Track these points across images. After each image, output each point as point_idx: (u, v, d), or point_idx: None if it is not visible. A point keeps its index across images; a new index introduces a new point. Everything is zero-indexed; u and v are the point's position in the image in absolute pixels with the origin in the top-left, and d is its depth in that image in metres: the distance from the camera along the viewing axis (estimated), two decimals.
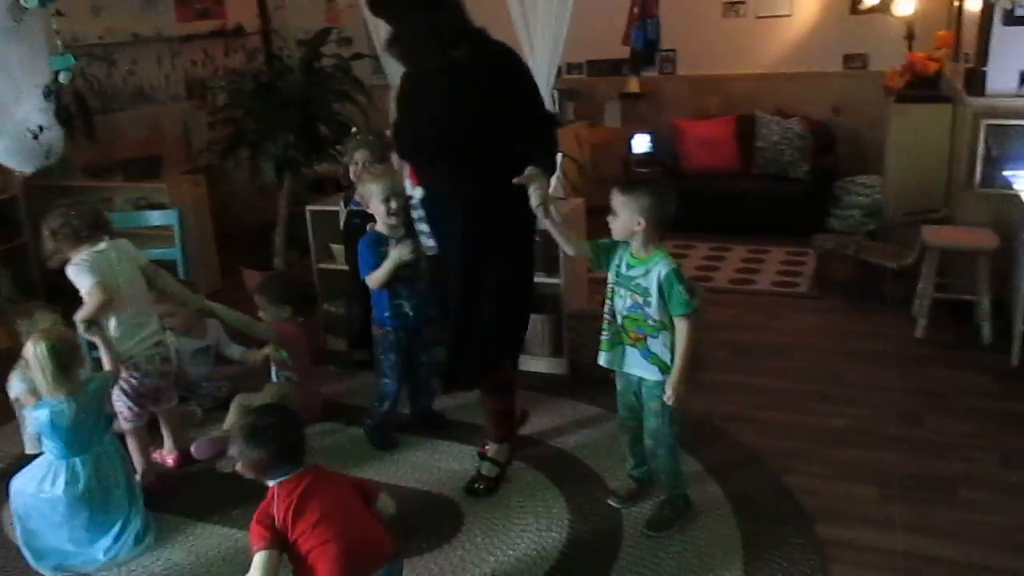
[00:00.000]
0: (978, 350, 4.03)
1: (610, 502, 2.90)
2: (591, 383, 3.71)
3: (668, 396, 2.58)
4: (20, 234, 5.20)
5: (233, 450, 2.24)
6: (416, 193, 2.91)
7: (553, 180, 3.23)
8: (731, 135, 6.43)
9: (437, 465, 3.21)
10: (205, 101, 6.59)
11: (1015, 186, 4.04)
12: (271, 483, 2.21)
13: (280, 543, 2.11)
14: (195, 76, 6.69)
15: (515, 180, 2.58)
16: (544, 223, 2.65)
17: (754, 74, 6.60)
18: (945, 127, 4.88)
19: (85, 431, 2.74)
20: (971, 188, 4.30)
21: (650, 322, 2.57)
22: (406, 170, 2.98)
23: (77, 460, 2.72)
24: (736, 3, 6.53)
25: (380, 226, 3.16)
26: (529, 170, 2.60)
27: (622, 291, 2.62)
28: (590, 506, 2.90)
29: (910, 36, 5.73)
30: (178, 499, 3.10)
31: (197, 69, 6.72)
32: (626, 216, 2.54)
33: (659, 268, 2.54)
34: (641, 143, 6.64)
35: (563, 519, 2.84)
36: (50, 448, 2.74)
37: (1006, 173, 4.19)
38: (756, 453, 3.21)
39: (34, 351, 2.68)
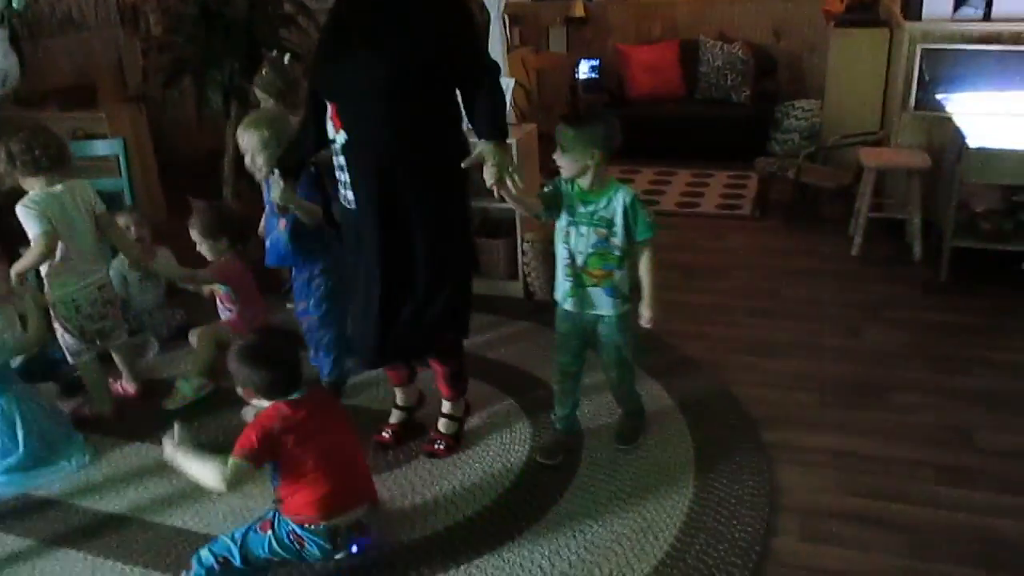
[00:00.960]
0: (910, 266, 4.25)
1: (539, 460, 2.81)
2: (547, 306, 3.80)
3: (647, 319, 2.62)
4: None
5: (233, 371, 2.23)
6: (339, 138, 2.51)
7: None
8: (675, 60, 6.49)
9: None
10: (138, 28, 6.36)
11: (948, 109, 4.21)
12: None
13: (262, 460, 2.15)
14: (126, 1, 6.43)
15: (464, 163, 2.42)
16: (504, 197, 2.44)
17: None
18: (882, 51, 5.01)
19: None
20: (906, 111, 4.46)
21: (616, 253, 2.57)
22: (329, 111, 2.53)
23: None
24: None
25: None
26: (479, 148, 2.42)
27: (583, 229, 2.57)
28: (551, 423, 3.02)
29: None
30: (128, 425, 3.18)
31: None
32: (579, 151, 2.48)
33: (621, 196, 2.53)
34: (586, 69, 6.65)
35: (525, 435, 2.97)
36: None
37: (939, 96, 4.35)
38: (704, 365, 3.38)
39: None
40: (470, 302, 2.76)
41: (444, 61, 2.42)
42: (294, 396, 2.22)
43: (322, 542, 2.24)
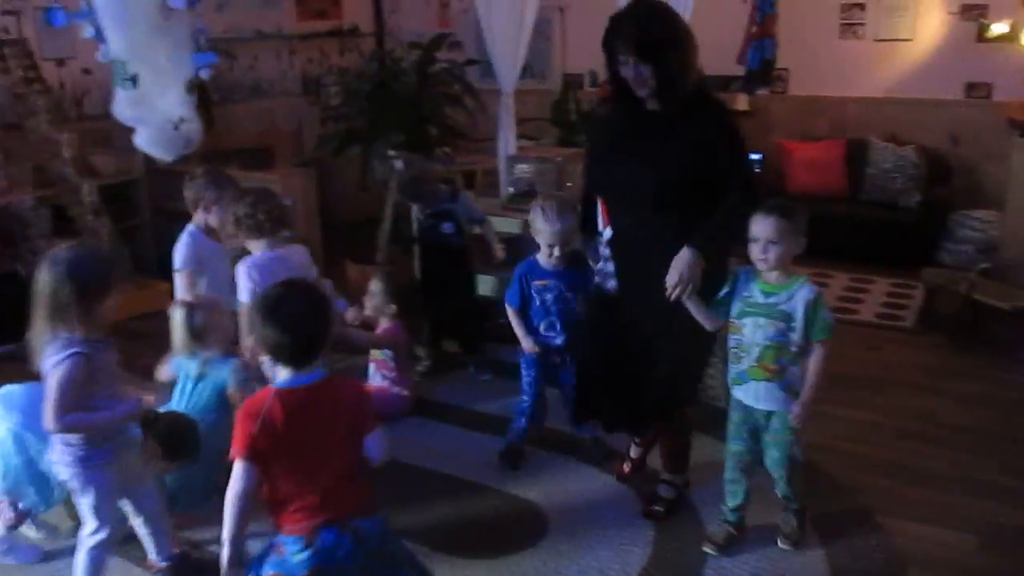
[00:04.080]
0: None
1: (705, 549, 2.75)
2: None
3: (796, 416, 2.54)
4: (140, 214, 5.49)
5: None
6: (605, 233, 2.82)
7: None
8: (840, 159, 6.26)
9: (528, 473, 3.24)
10: (319, 98, 6.82)
11: None
12: (274, 383, 2.00)
13: (259, 455, 1.93)
14: (310, 73, 6.93)
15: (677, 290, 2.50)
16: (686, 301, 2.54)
17: (868, 97, 6.42)
18: None
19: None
20: None
21: (793, 349, 2.52)
22: (599, 207, 2.85)
23: None
24: (855, 24, 6.36)
25: (543, 259, 3.16)
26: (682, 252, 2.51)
27: (760, 320, 2.53)
28: (676, 528, 2.89)
29: None
30: None
31: (312, 67, 6.96)
32: (792, 242, 2.48)
33: (804, 292, 2.50)
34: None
35: (647, 537, 2.84)
36: None
37: None
38: (848, 487, 3.14)
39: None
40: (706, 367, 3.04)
41: (706, 173, 2.56)
42: (304, 378, 1.97)
43: (300, 547, 1.96)
